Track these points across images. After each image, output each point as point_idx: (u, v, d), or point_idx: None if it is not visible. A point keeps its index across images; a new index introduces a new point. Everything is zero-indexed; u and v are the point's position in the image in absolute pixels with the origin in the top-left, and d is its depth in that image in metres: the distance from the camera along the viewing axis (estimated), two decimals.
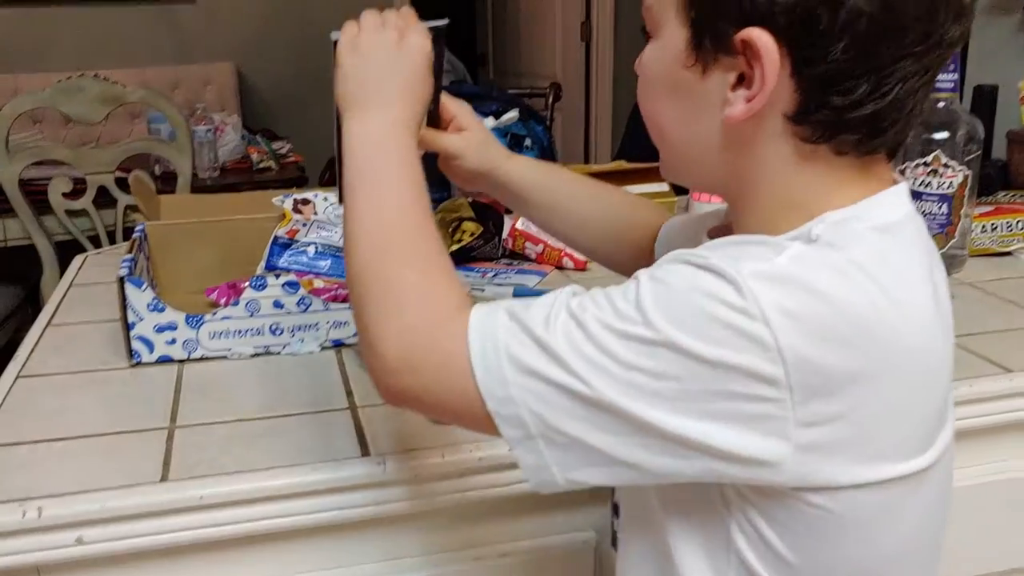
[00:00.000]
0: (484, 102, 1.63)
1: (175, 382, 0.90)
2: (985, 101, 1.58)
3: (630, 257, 0.86)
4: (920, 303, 0.54)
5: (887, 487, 0.53)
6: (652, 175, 1.35)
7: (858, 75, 0.51)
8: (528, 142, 1.63)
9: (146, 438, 0.79)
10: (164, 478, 0.72)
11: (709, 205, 1.27)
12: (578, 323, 0.52)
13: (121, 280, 0.91)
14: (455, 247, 1.25)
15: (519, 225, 1.28)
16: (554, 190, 0.87)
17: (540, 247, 1.27)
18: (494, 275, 1.23)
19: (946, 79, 1.15)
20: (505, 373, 0.53)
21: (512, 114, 1.43)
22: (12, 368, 0.93)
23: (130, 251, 1.00)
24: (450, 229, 1.29)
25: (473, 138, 0.84)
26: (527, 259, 1.29)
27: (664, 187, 1.33)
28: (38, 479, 0.72)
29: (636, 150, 1.66)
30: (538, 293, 1.15)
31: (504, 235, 1.28)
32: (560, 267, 1.27)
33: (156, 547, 0.71)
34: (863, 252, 0.52)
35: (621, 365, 0.50)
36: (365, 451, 0.76)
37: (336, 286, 1.02)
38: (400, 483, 0.74)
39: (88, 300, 1.15)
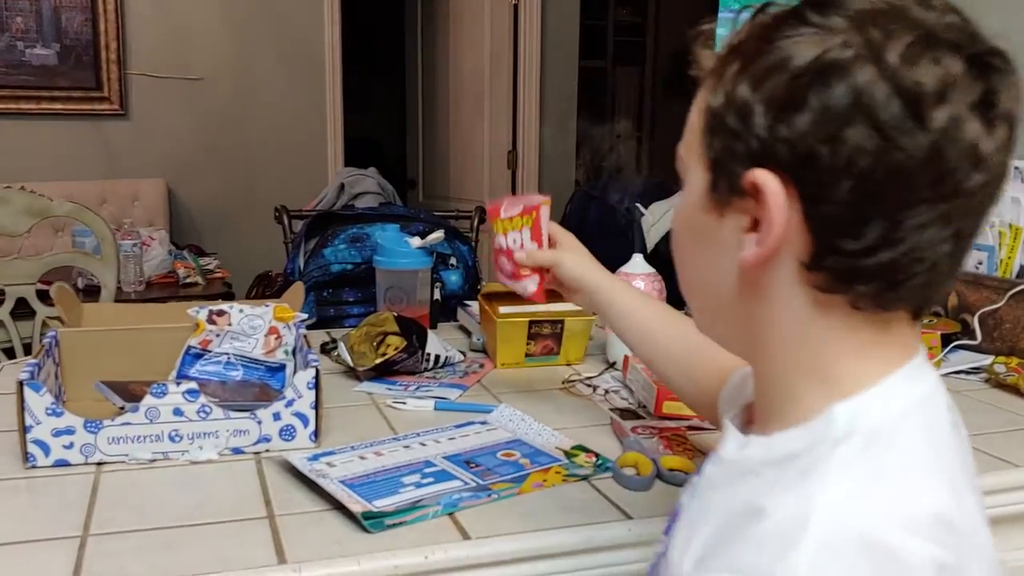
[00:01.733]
0: (411, 223, 1.70)
1: (90, 490, 0.89)
2: None
3: (698, 400, 0.92)
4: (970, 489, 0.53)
5: None
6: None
7: (868, 218, 0.49)
8: (453, 260, 1.69)
9: (57, 547, 0.78)
10: None
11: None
12: None
13: (20, 384, 0.92)
14: (379, 360, 1.27)
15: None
16: (645, 318, 0.96)
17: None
18: (416, 388, 1.25)
19: None
20: None
21: (438, 234, 1.49)
22: None
23: (36, 356, 1.00)
24: (375, 343, 1.32)
25: (568, 250, 1.02)
26: (460, 385, 1.27)
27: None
28: None
29: None
30: (460, 407, 1.18)
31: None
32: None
33: None
34: (908, 463, 0.50)
35: None
36: (282, 559, 0.76)
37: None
38: None
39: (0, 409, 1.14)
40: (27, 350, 2.33)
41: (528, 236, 1.07)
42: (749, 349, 0.60)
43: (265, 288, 2.83)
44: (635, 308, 0.98)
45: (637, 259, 1.33)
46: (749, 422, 0.59)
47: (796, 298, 0.53)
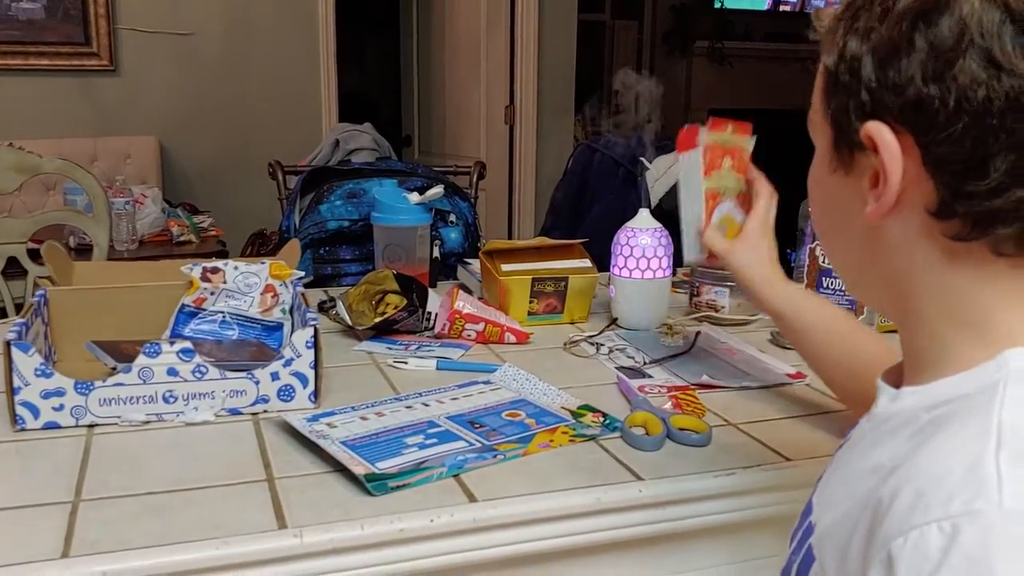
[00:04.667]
0: (410, 178, 1.65)
1: (82, 452, 0.86)
2: None
3: (856, 398, 0.89)
4: None
5: None
6: (573, 251, 1.37)
7: (991, 154, 0.47)
8: (452, 217, 1.65)
9: (47, 512, 0.75)
10: (65, 554, 0.68)
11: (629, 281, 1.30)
12: None
13: (7, 344, 0.88)
14: (378, 319, 1.24)
15: (459, 305, 1.24)
16: (806, 319, 0.95)
17: (481, 325, 1.24)
18: (417, 347, 1.22)
19: None
20: None
21: (437, 189, 1.45)
22: None
23: (24, 316, 0.97)
24: (373, 301, 1.28)
25: (743, 246, 1.00)
26: (462, 345, 1.24)
27: (586, 263, 1.35)
28: None
29: (556, 233, 1.69)
30: (462, 367, 1.15)
31: (442, 319, 1.26)
32: (502, 342, 1.25)
33: None
34: None
35: None
36: (282, 523, 0.73)
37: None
38: (317, 555, 0.72)
39: None
40: (19, 310, 2.29)
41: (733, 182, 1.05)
42: (895, 308, 0.58)
43: (260, 247, 2.78)
44: (809, 325, 0.95)
45: (643, 213, 1.30)
46: (897, 384, 0.57)
47: (932, 251, 0.52)
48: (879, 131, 0.51)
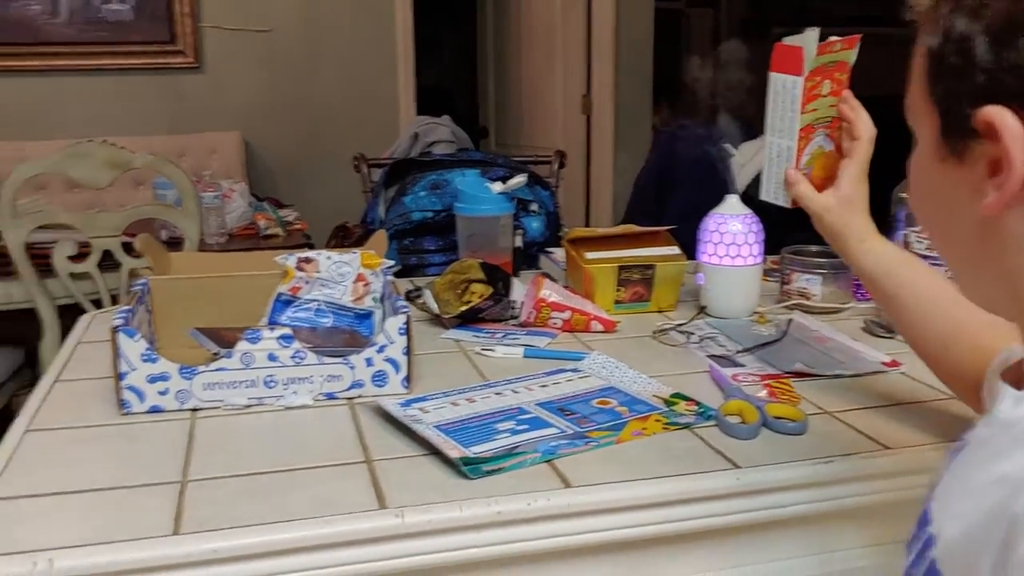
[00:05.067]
0: (491, 168, 1.66)
1: (187, 435, 0.89)
2: None
3: (950, 372, 0.86)
4: None
5: None
6: (659, 239, 1.36)
7: None
8: (534, 206, 1.65)
9: (157, 492, 0.78)
10: (176, 531, 0.71)
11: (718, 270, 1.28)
12: None
13: (114, 330, 0.91)
14: (463, 308, 1.25)
15: (545, 293, 1.24)
16: (901, 283, 0.87)
17: (567, 313, 1.23)
18: (503, 335, 1.23)
19: None
20: None
21: (520, 178, 1.45)
22: (21, 422, 0.92)
23: (129, 304, 1.00)
24: (459, 290, 1.30)
25: (838, 200, 0.90)
26: (548, 333, 1.23)
27: (675, 250, 1.34)
28: (49, 531, 0.70)
29: (638, 220, 1.67)
30: (550, 354, 1.15)
31: (527, 307, 1.26)
32: (588, 331, 1.24)
33: None
34: None
35: None
36: (383, 504, 0.75)
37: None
38: (418, 535, 0.73)
39: (94, 359, 1.15)
40: (113, 301, 2.37)
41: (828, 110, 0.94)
42: (1011, 306, 0.54)
43: (343, 239, 2.82)
44: (905, 291, 0.87)
45: (733, 199, 1.28)
46: (1018, 384, 0.53)
47: None
48: (1001, 116, 0.47)
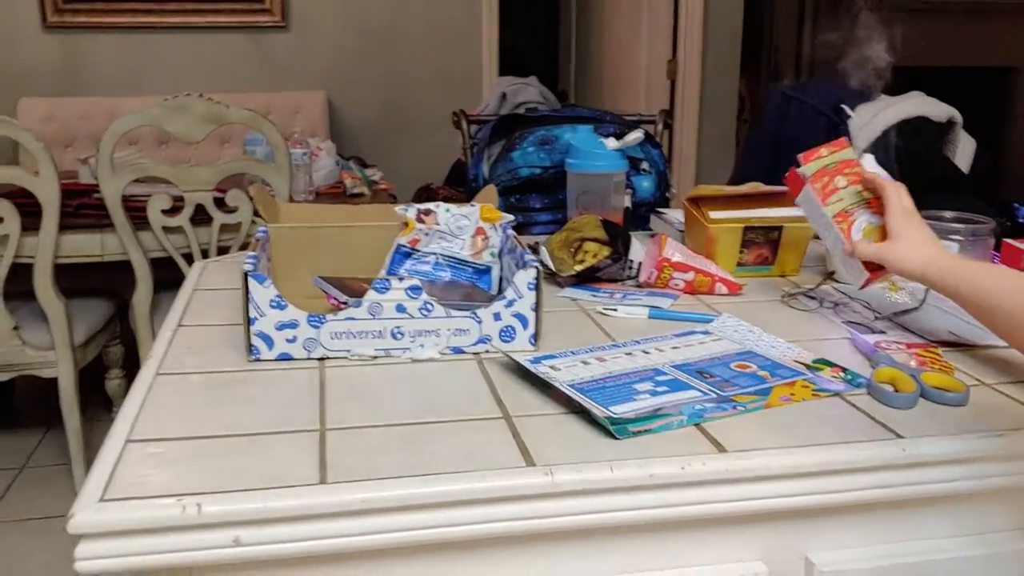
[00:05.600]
0: (602, 124, 1.61)
1: (318, 384, 0.87)
2: None
3: None
4: None
5: None
6: (785, 198, 1.30)
7: None
8: (645, 165, 1.60)
9: (298, 439, 0.75)
10: (323, 480, 0.68)
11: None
12: None
13: (245, 275, 0.89)
14: (578, 267, 1.21)
15: (668, 253, 1.20)
16: (991, 289, 0.86)
17: (690, 274, 1.19)
18: (623, 296, 1.18)
19: None
20: None
21: (637, 134, 1.40)
22: (150, 366, 0.91)
23: (253, 250, 0.98)
24: (572, 248, 1.26)
25: (892, 240, 0.98)
26: (669, 294, 1.19)
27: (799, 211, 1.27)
28: (194, 476, 0.69)
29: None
30: (676, 316, 1.11)
31: (648, 267, 1.21)
32: (712, 293, 1.20)
33: (314, 552, 0.67)
34: None
35: None
36: (530, 461, 0.71)
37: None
38: (567, 495, 0.70)
39: (213, 304, 1.14)
40: (204, 255, 2.39)
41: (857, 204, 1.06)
42: None
43: (428, 200, 2.81)
44: (990, 299, 0.86)
45: (869, 159, 1.21)
46: None
47: None
48: None
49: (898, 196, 1.00)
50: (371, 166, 3.01)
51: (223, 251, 2.38)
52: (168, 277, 2.35)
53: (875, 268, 1.02)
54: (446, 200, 1.20)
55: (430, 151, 3.61)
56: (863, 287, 1.03)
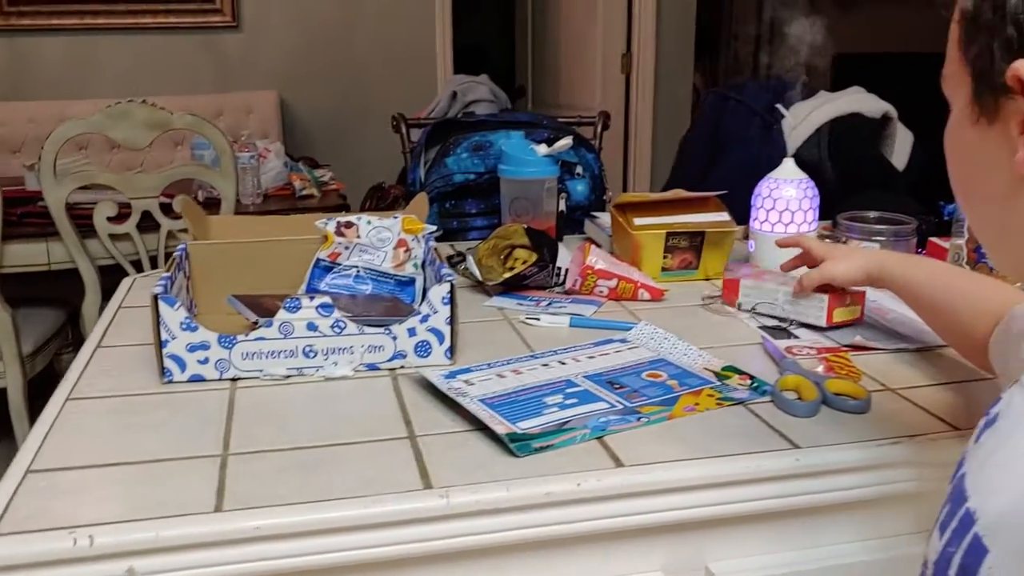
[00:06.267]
0: (536, 129, 1.62)
1: (227, 406, 0.87)
2: None
3: (966, 346, 0.91)
4: None
5: None
6: (709, 204, 1.31)
7: None
8: (579, 169, 1.61)
9: (199, 465, 0.76)
10: (219, 508, 0.69)
11: (770, 235, 1.23)
12: None
13: (155, 298, 0.89)
14: (507, 275, 1.21)
15: (592, 261, 1.21)
16: (909, 280, 0.95)
17: (613, 281, 1.20)
18: (548, 304, 1.19)
19: None
20: None
21: (566, 140, 1.41)
22: (62, 390, 0.91)
23: (168, 270, 0.98)
24: (502, 256, 1.26)
25: (836, 260, 1.03)
26: (594, 301, 1.20)
27: (724, 216, 1.29)
28: (90, 506, 0.69)
29: (684, 184, 1.63)
30: (597, 324, 1.12)
31: (573, 274, 1.22)
32: (635, 299, 1.21)
33: None
34: None
35: None
36: (427, 483, 0.72)
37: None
38: (463, 516, 0.71)
39: (136, 323, 1.13)
40: (153, 263, 2.38)
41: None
42: None
43: (379, 200, 2.80)
44: (916, 284, 0.95)
45: (788, 163, 1.23)
46: None
47: None
48: None
49: (810, 238, 1.10)
50: (322, 166, 3.00)
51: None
52: (118, 284, 2.33)
53: (832, 299, 1.06)
54: (398, 199, 1.21)
55: (384, 149, 3.59)
56: (830, 323, 1.07)
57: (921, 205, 1.52)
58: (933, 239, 1.38)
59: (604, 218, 1.49)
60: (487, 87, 2.78)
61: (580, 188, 1.60)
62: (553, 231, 1.43)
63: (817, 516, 0.81)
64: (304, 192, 2.69)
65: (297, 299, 0.92)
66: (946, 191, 1.32)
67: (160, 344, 0.91)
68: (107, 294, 2.40)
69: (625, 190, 4.05)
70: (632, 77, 3.93)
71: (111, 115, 2.25)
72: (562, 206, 1.52)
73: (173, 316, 0.91)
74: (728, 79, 4.43)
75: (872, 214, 1.31)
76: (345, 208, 2.71)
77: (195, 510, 0.68)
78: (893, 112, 1.90)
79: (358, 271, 1.11)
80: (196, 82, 3.68)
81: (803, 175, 1.23)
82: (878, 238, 1.26)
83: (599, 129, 2.04)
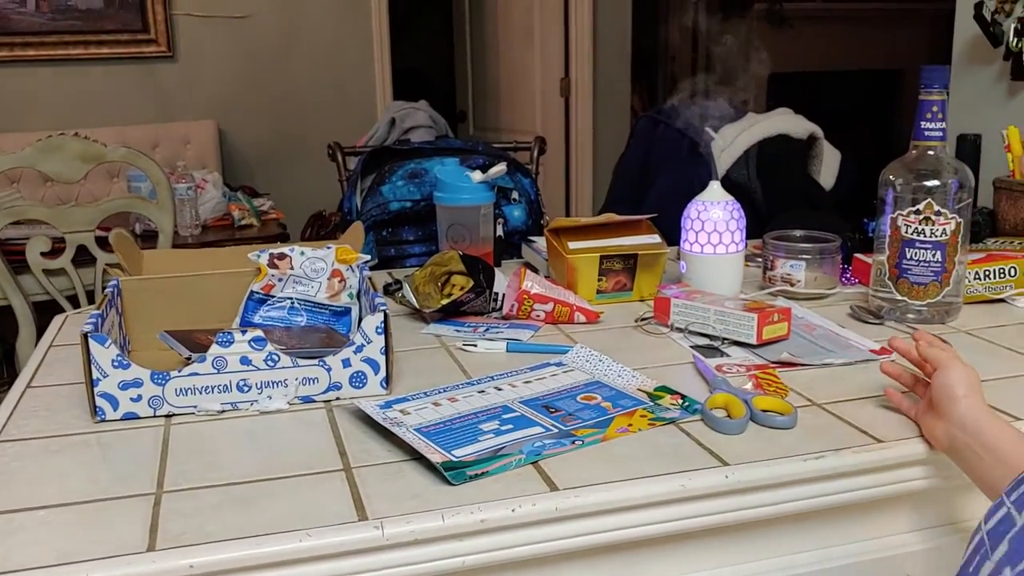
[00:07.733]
0: (471, 156, 1.63)
1: (161, 443, 0.87)
2: (969, 149, 1.59)
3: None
4: None
5: None
6: (641, 227, 1.34)
7: None
8: (515, 195, 1.63)
9: (131, 504, 0.75)
10: (151, 547, 0.68)
11: (699, 257, 1.26)
12: None
13: (85, 336, 0.89)
14: (445, 301, 1.22)
15: (527, 285, 1.22)
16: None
17: (549, 305, 1.22)
18: (486, 329, 1.21)
19: (934, 127, 1.15)
20: None
21: (500, 167, 1.43)
22: None
23: (99, 307, 0.98)
24: (439, 283, 1.27)
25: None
26: (531, 325, 1.22)
27: (656, 238, 1.32)
28: (20, 550, 0.68)
29: (619, 208, 1.66)
30: (533, 348, 1.13)
31: (510, 299, 1.24)
32: (571, 322, 1.23)
33: None
34: None
35: None
36: (362, 515, 0.73)
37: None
38: (398, 547, 0.71)
39: (68, 361, 1.12)
40: (90, 297, 2.34)
41: None
42: None
43: (320, 228, 2.80)
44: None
45: (714, 186, 1.26)
46: None
47: None
48: None
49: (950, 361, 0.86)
50: (261, 195, 2.99)
51: None
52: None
53: (761, 317, 1.08)
54: (340, 226, 1.21)
55: (324, 177, 3.58)
56: (760, 341, 1.09)
57: (846, 223, 1.57)
58: (858, 255, 1.43)
59: (541, 242, 1.51)
60: (426, 113, 2.79)
61: (517, 213, 1.62)
62: (491, 257, 1.45)
63: (749, 531, 0.83)
64: (243, 222, 2.68)
65: (230, 333, 0.92)
66: (870, 208, 1.36)
67: (91, 383, 0.90)
68: (42, 330, 2.36)
69: (568, 213, 4.09)
70: (571, 101, 3.98)
71: (42, 149, 2.21)
72: (500, 231, 1.54)
73: (104, 354, 0.90)
74: (666, 101, 4.51)
75: (798, 232, 1.35)
76: (285, 237, 2.70)
77: (127, 550, 0.68)
78: (819, 132, 1.96)
79: (292, 303, 1.11)
80: (133, 113, 3.64)
81: (730, 197, 1.26)
82: (804, 256, 1.30)
83: (535, 154, 2.06)
